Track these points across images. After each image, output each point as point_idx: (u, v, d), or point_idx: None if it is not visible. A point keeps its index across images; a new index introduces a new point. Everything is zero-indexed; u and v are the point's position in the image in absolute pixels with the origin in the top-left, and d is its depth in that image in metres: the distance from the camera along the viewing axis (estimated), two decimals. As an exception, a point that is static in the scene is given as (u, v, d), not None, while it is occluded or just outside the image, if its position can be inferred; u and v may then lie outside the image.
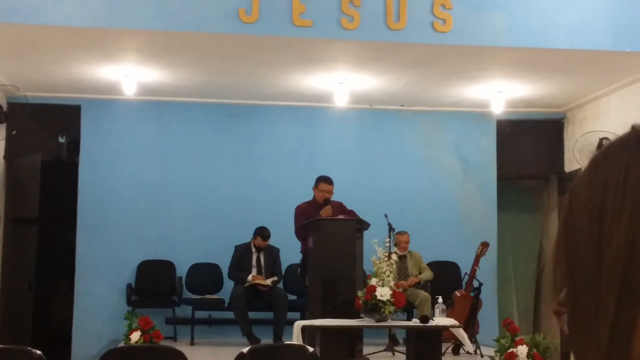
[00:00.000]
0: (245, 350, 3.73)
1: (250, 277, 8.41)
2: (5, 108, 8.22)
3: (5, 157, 9.00)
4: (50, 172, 9.14)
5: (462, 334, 7.34)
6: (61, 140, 9.43)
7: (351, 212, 7.59)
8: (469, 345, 7.38)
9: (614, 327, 0.67)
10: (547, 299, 0.76)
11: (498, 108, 9.04)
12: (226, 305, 8.56)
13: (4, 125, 8.49)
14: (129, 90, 8.30)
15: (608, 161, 0.72)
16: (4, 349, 3.65)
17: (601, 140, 8.17)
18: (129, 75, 8.14)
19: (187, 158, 9.36)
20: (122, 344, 6.17)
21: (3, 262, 8.84)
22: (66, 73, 8.16)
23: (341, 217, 7.50)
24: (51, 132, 9.37)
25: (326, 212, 7.48)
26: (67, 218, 9.21)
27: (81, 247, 9.04)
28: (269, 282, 8.36)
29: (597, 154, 0.75)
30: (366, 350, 7.36)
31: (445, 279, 8.91)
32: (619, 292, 0.66)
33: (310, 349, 3.84)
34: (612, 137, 0.77)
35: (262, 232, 8.55)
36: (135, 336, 6.28)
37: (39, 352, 3.41)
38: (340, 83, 8.44)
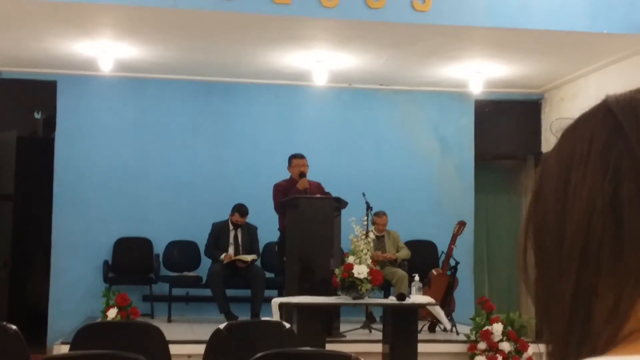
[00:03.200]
0: (222, 326, 3.74)
1: (222, 256, 8.38)
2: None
3: (-20, 132, 8.91)
4: (26, 148, 9.07)
5: (438, 312, 7.40)
6: (37, 116, 9.36)
7: (328, 195, 7.60)
8: (445, 323, 7.45)
9: (576, 293, 0.68)
10: (520, 275, 0.78)
11: (476, 88, 9.06)
12: (204, 282, 8.57)
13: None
14: (106, 66, 8.22)
15: (576, 132, 0.73)
16: (-22, 324, 3.63)
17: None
18: (105, 51, 8.05)
19: (165, 135, 9.31)
20: (99, 321, 6.15)
21: (-22, 239, 8.78)
22: (42, 48, 8.06)
23: (318, 195, 7.51)
24: (27, 108, 9.29)
25: (303, 184, 7.49)
26: (43, 194, 9.14)
27: (57, 224, 8.99)
28: (248, 258, 8.37)
29: (569, 125, 0.76)
30: (343, 327, 7.41)
31: (422, 258, 8.95)
32: (578, 261, 0.68)
33: (287, 325, 3.86)
34: None
35: (240, 209, 8.54)
36: (112, 313, 6.29)
37: (14, 327, 3.40)
38: (319, 62, 8.41)
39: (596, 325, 0.68)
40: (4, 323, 3.49)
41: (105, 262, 8.88)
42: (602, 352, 0.66)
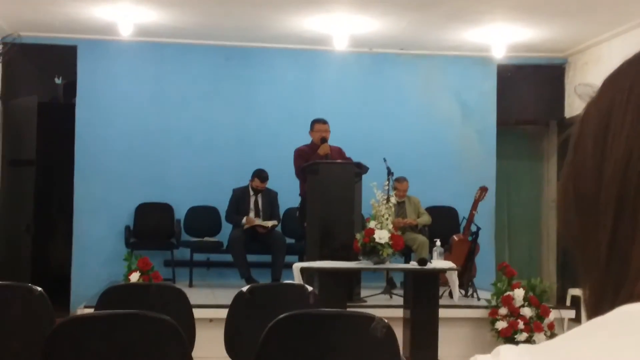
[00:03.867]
0: (244, 289, 3.75)
1: (244, 220, 8.41)
2: (0, 49, 8.12)
3: (1, 98, 8.93)
4: (47, 113, 9.08)
5: (454, 280, 7.30)
6: (57, 81, 9.35)
7: (349, 160, 7.57)
8: (456, 294, 7.31)
9: (613, 241, 0.67)
10: (558, 221, 0.76)
11: (499, 52, 8.95)
12: (224, 248, 8.60)
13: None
14: (126, 31, 8.20)
15: (617, 81, 0.72)
16: (5, 285, 3.66)
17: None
18: (125, 15, 8.02)
19: (185, 100, 9.29)
20: (122, 283, 6.19)
21: (1, 204, 8.84)
22: (61, 12, 8.03)
23: (339, 161, 7.48)
24: (47, 73, 9.28)
25: (324, 149, 7.46)
26: (64, 160, 9.18)
27: (79, 189, 9.03)
28: (269, 224, 8.38)
29: (609, 74, 0.76)
30: (364, 293, 7.42)
31: (443, 224, 8.92)
32: (615, 207, 0.67)
33: (310, 288, 3.85)
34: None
35: (260, 174, 8.54)
36: (135, 277, 6.33)
37: (39, 288, 3.42)
38: (340, 25, 8.33)
39: (633, 272, 0.66)
40: (30, 285, 3.51)
41: (127, 227, 8.92)
42: (638, 299, 0.65)
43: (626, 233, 0.67)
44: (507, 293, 7.07)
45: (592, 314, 0.70)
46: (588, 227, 0.70)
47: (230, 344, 3.72)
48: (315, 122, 7.79)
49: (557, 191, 0.76)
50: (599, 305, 0.70)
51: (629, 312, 0.64)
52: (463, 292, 7.71)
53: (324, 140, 7.55)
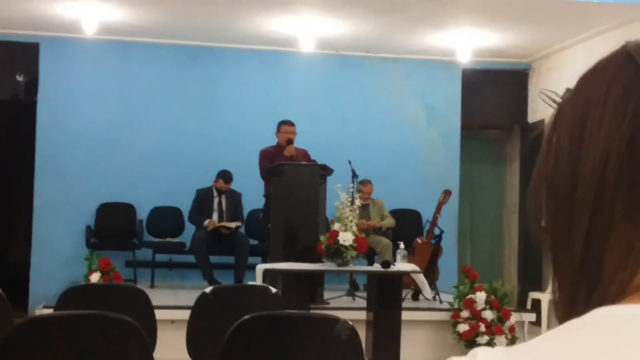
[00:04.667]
0: (207, 290, 3.71)
1: (206, 222, 8.35)
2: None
3: (-39, 94, 8.78)
4: (8, 111, 8.94)
5: (422, 280, 7.39)
6: (19, 78, 9.21)
7: (315, 162, 7.57)
8: (427, 292, 7.44)
9: (587, 242, 0.67)
10: (530, 221, 0.75)
11: (464, 57, 9.01)
12: (187, 248, 8.54)
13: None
14: (90, 29, 8.10)
15: (594, 78, 0.72)
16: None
17: (567, 89, 8.20)
18: (89, 13, 7.92)
19: (149, 100, 9.21)
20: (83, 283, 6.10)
21: (-41, 202, 8.68)
22: (24, 9, 7.91)
23: (304, 162, 7.47)
24: (8, 70, 9.13)
25: (290, 151, 7.45)
26: (24, 158, 9.03)
27: (39, 188, 8.90)
28: (232, 225, 8.34)
29: (586, 71, 0.75)
30: (327, 295, 7.42)
31: (407, 227, 8.95)
32: (592, 207, 0.67)
33: (273, 290, 3.83)
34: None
35: (224, 175, 8.49)
36: (95, 277, 6.25)
37: (-3, 289, 3.35)
38: (306, 27, 8.32)
39: (606, 274, 0.66)
40: (-13, 285, 3.43)
41: (88, 227, 8.81)
42: (611, 302, 0.65)
43: (601, 235, 0.66)
44: (469, 296, 7.11)
45: (563, 316, 0.70)
46: (561, 228, 0.70)
47: (193, 345, 3.68)
48: (282, 123, 7.77)
49: (529, 190, 0.75)
50: (570, 307, 0.69)
51: (608, 315, 0.64)
52: (425, 295, 7.75)
53: (290, 142, 7.54)
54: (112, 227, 8.81)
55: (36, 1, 7.65)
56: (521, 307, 8.44)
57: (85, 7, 7.79)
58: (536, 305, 8.23)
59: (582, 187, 0.67)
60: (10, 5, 7.82)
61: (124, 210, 8.94)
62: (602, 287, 0.66)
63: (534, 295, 8.48)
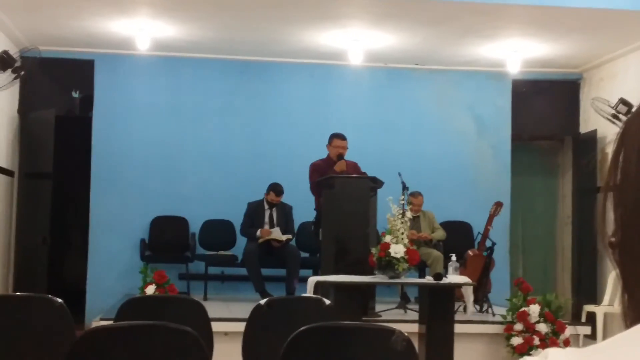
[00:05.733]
0: (262, 302, 3.76)
1: (259, 232, 8.43)
2: (19, 62, 8.19)
3: (19, 111, 9.01)
4: (64, 127, 9.14)
5: (469, 295, 7.31)
6: (75, 95, 9.42)
7: (365, 174, 7.58)
8: (470, 308, 7.33)
9: None
10: (598, 234, 0.76)
11: (514, 68, 8.95)
12: (239, 261, 8.61)
13: (17, 79, 8.44)
14: (143, 45, 8.26)
15: None
16: (25, 296, 3.69)
17: (620, 99, 8.10)
18: (142, 29, 8.08)
19: (201, 114, 9.34)
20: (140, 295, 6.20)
21: (18, 216, 8.90)
22: (80, 27, 8.11)
23: (355, 175, 7.49)
24: (65, 87, 9.36)
25: (340, 166, 7.48)
26: (80, 173, 9.23)
27: (95, 202, 9.08)
28: (283, 238, 8.39)
29: None
30: (378, 307, 7.41)
31: (458, 239, 8.91)
32: None
33: (327, 302, 3.86)
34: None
35: (275, 188, 8.56)
36: (150, 290, 6.35)
37: (60, 300, 3.44)
38: (355, 40, 8.36)
39: None
40: (50, 296, 3.53)
41: (142, 241, 8.96)
42: None
43: None
44: (523, 309, 7.04)
45: (632, 325, 0.71)
46: (630, 239, 0.71)
47: (249, 357, 3.73)
48: (334, 136, 7.79)
49: (598, 202, 0.76)
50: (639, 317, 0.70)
51: None
52: (478, 307, 7.69)
53: (340, 156, 7.56)
54: (166, 240, 8.94)
55: (91, 19, 7.84)
56: (576, 320, 8.32)
57: (139, 23, 7.95)
58: (591, 318, 8.10)
59: None
60: (66, 24, 8.03)
61: (177, 224, 9.07)
62: None
63: (588, 308, 8.36)
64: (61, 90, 9.35)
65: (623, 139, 0.74)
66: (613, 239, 0.75)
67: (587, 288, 9.05)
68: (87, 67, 9.13)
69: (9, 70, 7.67)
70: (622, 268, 0.73)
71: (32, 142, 9.01)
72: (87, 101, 9.27)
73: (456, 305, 7.12)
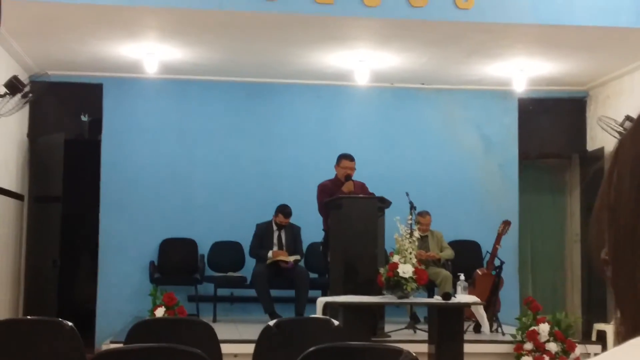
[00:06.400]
0: (271, 323, 3.77)
1: (270, 253, 8.46)
2: (28, 87, 8.27)
3: (29, 135, 9.08)
4: (73, 150, 9.21)
5: (481, 314, 7.33)
6: (84, 118, 9.50)
7: (372, 194, 7.59)
8: (486, 326, 7.34)
9: None
10: (592, 251, 0.79)
11: (520, 86, 8.99)
12: (248, 283, 8.62)
13: (27, 104, 8.51)
14: (151, 68, 8.33)
15: None
16: (36, 320, 3.71)
17: (626, 117, 8.11)
18: (150, 53, 8.16)
19: (209, 136, 9.39)
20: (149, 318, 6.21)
21: (28, 239, 8.95)
22: (88, 51, 8.19)
23: (362, 195, 7.51)
24: (74, 110, 9.44)
25: (348, 187, 7.50)
26: (90, 196, 9.29)
27: (104, 225, 9.12)
28: (291, 258, 8.41)
29: None
30: (387, 328, 7.40)
31: (467, 258, 8.90)
32: None
33: (336, 322, 3.87)
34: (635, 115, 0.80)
35: (283, 210, 8.58)
36: (160, 312, 6.36)
37: (70, 323, 3.46)
38: (361, 61, 8.42)
39: None
40: (60, 320, 3.55)
41: (152, 263, 8.98)
42: None
43: None
44: (532, 328, 7.02)
45: (623, 341, 0.72)
46: (623, 257, 0.73)
47: (258, 378, 3.73)
48: (342, 157, 7.81)
49: (591, 221, 0.78)
50: (633, 333, 0.72)
51: None
52: (483, 329, 7.67)
53: (348, 177, 7.58)
54: (175, 262, 8.96)
55: (99, 44, 7.92)
56: (586, 338, 8.29)
57: (147, 48, 8.03)
58: (602, 337, 8.07)
59: None
60: (74, 49, 8.11)
61: (186, 246, 9.10)
62: None
63: (598, 326, 8.32)
64: (70, 114, 9.43)
65: (616, 158, 0.76)
66: (606, 257, 0.77)
67: (597, 306, 9.02)
68: (95, 90, 9.21)
69: (19, 95, 7.74)
70: (614, 285, 0.75)
71: (41, 166, 9.08)
72: (96, 124, 9.34)
73: (465, 324, 7.11)
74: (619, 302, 0.74)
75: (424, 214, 8.48)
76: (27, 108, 8.56)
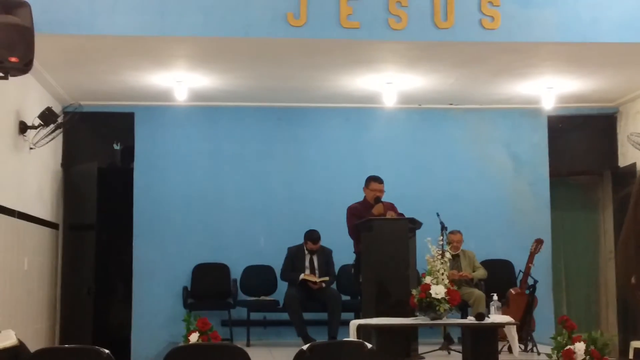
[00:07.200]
0: (305, 347, 3.79)
1: (302, 276, 8.51)
2: (61, 117, 8.45)
3: (63, 164, 9.23)
4: (106, 178, 9.34)
5: (513, 335, 7.23)
6: (116, 147, 9.64)
7: (402, 215, 7.60)
8: (516, 348, 7.25)
9: None
10: (620, 276, 0.82)
11: (548, 104, 8.97)
12: (280, 306, 8.65)
13: (60, 134, 8.68)
14: (181, 96, 8.45)
15: None
16: (73, 348, 3.77)
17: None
18: (180, 81, 8.28)
19: (239, 162, 9.48)
20: (183, 344, 6.26)
21: (63, 267, 9.07)
22: (120, 81, 8.34)
23: (393, 216, 7.51)
24: (106, 139, 9.59)
25: (378, 210, 7.51)
26: (123, 223, 9.40)
27: (138, 252, 9.23)
28: (318, 279, 8.43)
29: None
30: (421, 349, 7.38)
31: (500, 278, 8.86)
32: None
33: (369, 345, 3.88)
34: None
35: (311, 236, 8.62)
36: (194, 337, 6.38)
37: (107, 351, 3.52)
38: (389, 83, 8.46)
39: None
40: (97, 347, 3.61)
41: (185, 288, 9.06)
42: None
43: None
44: (568, 347, 6.95)
45: None
46: None
47: (292, 403, 3.75)
48: (371, 179, 7.83)
49: (619, 245, 0.82)
50: None
51: None
52: (522, 346, 7.61)
53: (377, 200, 7.60)
54: (208, 287, 9.03)
55: (130, 74, 8.06)
56: (623, 356, 8.18)
57: (176, 76, 8.15)
58: (639, 355, 7.96)
59: None
60: (106, 79, 8.26)
61: (219, 270, 9.16)
62: None
63: (635, 344, 8.20)
64: (103, 143, 9.58)
65: None
66: (634, 280, 0.79)
67: (634, 323, 8.91)
68: (127, 119, 9.36)
69: (52, 126, 7.89)
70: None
71: (75, 195, 9.21)
72: (128, 153, 9.48)
73: (500, 345, 7.06)
74: None
75: (455, 232, 8.47)
76: (60, 138, 8.71)
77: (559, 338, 7.12)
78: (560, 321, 7.38)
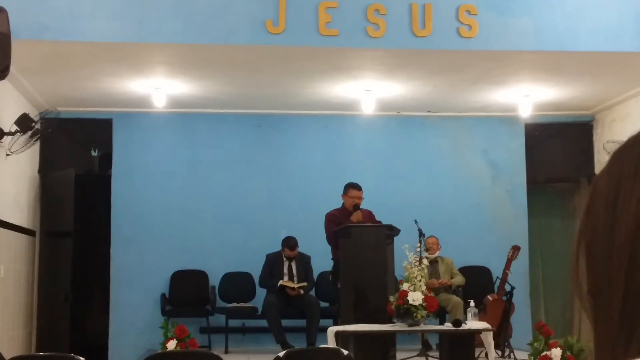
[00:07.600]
0: (281, 354, 3.80)
1: (280, 282, 8.50)
2: (38, 124, 8.41)
3: (40, 171, 9.17)
4: (84, 185, 9.29)
5: (489, 341, 7.27)
6: (94, 153, 9.61)
7: (380, 223, 7.62)
8: (492, 355, 7.29)
9: (625, 299, 0.74)
10: (572, 285, 0.84)
11: (526, 112, 9.04)
12: (259, 313, 8.64)
13: (37, 140, 8.63)
14: (159, 103, 8.43)
15: (625, 152, 0.80)
16: (50, 356, 3.75)
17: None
18: (158, 88, 8.26)
19: (217, 168, 9.46)
20: (160, 352, 6.24)
21: (40, 275, 9.00)
22: (97, 88, 8.31)
23: (370, 224, 7.54)
24: (84, 146, 9.54)
25: (357, 217, 7.53)
26: (101, 230, 9.35)
27: (115, 259, 9.18)
28: (296, 285, 8.44)
29: (619, 146, 0.83)
30: (399, 355, 7.39)
31: (477, 284, 8.90)
32: (627, 267, 0.74)
33: (345, 352, 3.89)
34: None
35: (288, 243, 8.63)
36: (172, 345, 6.38)
37: (82, 359, 3.50)
38: (367, 91, 8.50)
39: None
40: (72, 355, 3.59)
41: (163, 295, 9.02)
42: None
43: (637, 293, 0.73)
44: (545, 353, 7.00)
45: None
46: (601, 286, 0.77)
47: (269, 410, 3.75)
48: (350, 186, 7.86)
49: (571, 252, 0.83)
50: (610, 358, 0.76)
51: None
52: (500, 353, 7.65)
53: (356, 207, 7.62)
54: (186, 294, 8.99)
55: (108, 80, 8.03)
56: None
57: (155, 83, 8.13)
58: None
59: (617, 250, 0.75)
60: (84, 85, 8.22)
61: (197, 277, 9.13)
62: (637, 341, 0.73)
63: (611, 350, 8.28)
64: (80, 149, 9.54)
65: (593, 196, 0.80)
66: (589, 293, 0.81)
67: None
68: (105, 126, 9.32)
69: (29, 132, 7.85)
70: (594, 314, 0.79)
71: (53, 201, 9.15)
72: (106, 159, 9.44)
73: (477, 351, 7.10)
74: (597, 331, 0.78)
75: (429, 236, 8.50)
76: (37, 144, 8.66)
77: (535, 344, 7.17)
78: (537, 327, 7.44)
